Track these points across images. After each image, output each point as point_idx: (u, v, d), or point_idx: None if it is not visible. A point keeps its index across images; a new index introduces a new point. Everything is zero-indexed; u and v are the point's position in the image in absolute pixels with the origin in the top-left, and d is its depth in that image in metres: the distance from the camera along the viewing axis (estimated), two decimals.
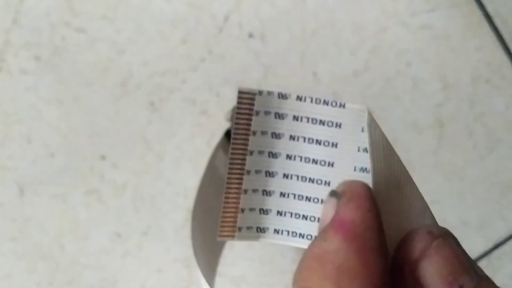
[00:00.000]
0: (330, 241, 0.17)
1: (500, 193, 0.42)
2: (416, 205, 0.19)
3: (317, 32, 0.42)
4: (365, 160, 0.19)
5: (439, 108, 0.41)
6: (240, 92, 0.19)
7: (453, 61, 0.42)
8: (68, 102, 0.41)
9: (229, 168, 0.19)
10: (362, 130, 0.19)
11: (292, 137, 0.19)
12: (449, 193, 0.42)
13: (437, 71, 0.42)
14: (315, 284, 0.17)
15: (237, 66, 0.41)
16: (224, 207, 0.20)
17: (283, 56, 0.42)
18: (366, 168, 0.19)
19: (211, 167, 0.34)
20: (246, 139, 0.19)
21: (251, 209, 0.20)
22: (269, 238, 0.20)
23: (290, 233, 0.20)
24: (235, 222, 0.20)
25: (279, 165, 0.19)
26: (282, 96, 0.19)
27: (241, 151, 0.19)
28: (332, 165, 0.19)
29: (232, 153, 0.19)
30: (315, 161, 0.19)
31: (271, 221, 0.20)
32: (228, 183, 0.19)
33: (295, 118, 0.19)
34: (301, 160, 0.19)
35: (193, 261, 0.40)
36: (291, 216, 0.20)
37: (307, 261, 0.18)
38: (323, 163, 0.19)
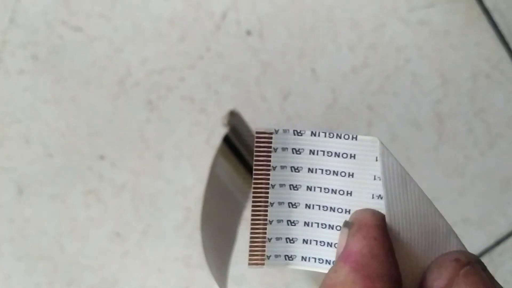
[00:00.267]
0: (339, 272, 0.18)
1: (501, 188, 0.41)
2: (439, 230, 0.19)
3: (316, 29, 0.42)
4: (381, 188, 0.20)
5: (438, 104, 0.41)
6: (257, 132, 0.20)
7: (452, 56, 0.42)
8: (66, 102, 0.41)
9: (253, 202, 0.21)
10: (376, 160, 0.19)
11: (310, 170, 0.20)
12: (450, 190, 0.41)
13: (436, 67, 0.41)
14: None
15: (235, 64, 0.41)
16: (251, 237, 0.21)
17: (281, 53, 0.41)
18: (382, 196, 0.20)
19: (213, 175, 0.35)
20: (267, 174, 0.20)
21: (278, 238, 0.21)
22: (298, 265, 0.21)
23: (317, 260, 0.21)
24: (263, 250, 0.21)
25: (301, 196, 0.21)
26: (298, 133, 0.20)
27: (263, 185, 0.20)
28: (351, 194, 0.20)
29: (254, 187, 0.20)
30: (334, 191, 0.20)
31: (298, 249, 0.21)
32: (253, 215, 0.21)
33: (312, 152, 0.20)
34: (321, 190, 0.20)
35: (192, 260, 0.40)
36: (317, 243, 0.21)
37: None
38: (342, 192, 0.20)
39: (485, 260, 0.42)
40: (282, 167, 0.20)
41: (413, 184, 0.19)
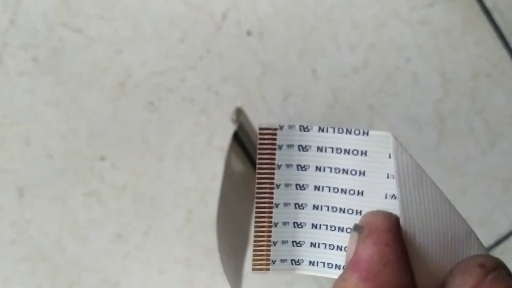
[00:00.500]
0: (348, 282, 0.17)
1: (502, 188, 0.41)
2: (459, 232, 0.18)
3: (316, 29, 0.42)
4: (395, 187, 0.18)
5: (439, 103, 0.41)
6: (260, 129, 0.19)
7: (452, 56, 0.42)
8: (66, 103, 0.41)
9: (257, 203, 0.19)
10: (389, 157, 0.18)
11: (318, 168, 0.19)
12: (451, 189, 0.41)
13: (436, 67, 0.41)
14: None
15: (236, 64, 0.41)
16: (255, 241, 0.20)
17: (281, 53, 0.41)
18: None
19: (228, 171, 0.34)
20: (271, 173, 0.19)
21: (284, 242, 0.20)
22: (305, 271, 0.20)
23: (326, 265, 0.20)
24: (268, 255, 0.20)
25: (308, 197, 0.19)
26: (304, 129, 0.19)
27: (268, 185, 0.19)
28: (362, 194, 0.19)
29: (258, 188, 0.19)
30: (344, 191, 0.19)
31: (305, 253, 0.20)
32: (257, 217, 0.19)
33: (319, 149, 0.19)
34: (329, 190, 0.19)
35: (194, 261, 0.40)
36: (325, 247, 0.20)
37: None
38: (352, 192, 0.19)
39: None
40: (288, 166, 0.19)
41: (430, 183, 0.18)
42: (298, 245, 0.20)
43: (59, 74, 0.41)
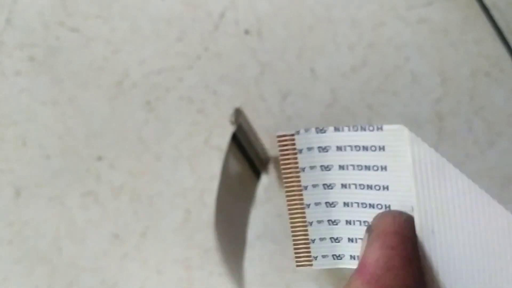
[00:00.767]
0: (352, 285, 0.17)
1: (501, 187, 0.41)
2: (499, 224, 0.17)
3: (314, 28, 0.41)
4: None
5: (438, 102, 0.41)
6: (278, 136, 0.20)
7: (451, 55, 0.41)
8: (63, 103, 0.41)
9: (288, 205, 0.20)
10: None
11: (341, 167, 0.19)
12: None
13: (435, 65, 0.41)
14: None
15: (234, 64, 0.41)
16: (294, 240, 0.20)
17: (280, 52, 0.41)
18: None
19: (225, 172, 0.34)
20: (297, 177, 0.20)
21: (322, 239, 0.20)
22: (347, 265, 0.20)
23: None
24: (308, 252, 0.20)
25: (337, 195, 0.20)
26: (320, 131, 0.19)
27: (296, 188, 0.20)
28: (387, 188, 0.19)
29: (287, 192, 0.20)
30: (369, 187, 0.19)
31: (345, 248, 0.20)
32: (291, 218, 0.20)
33: (339, 148, 0.19)
34: (356, 187, 0.19)
35: (192, 262, 0.40)
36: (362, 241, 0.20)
37: None
38: (378, 187, 0.19)
39: None
40: (312, 167, 0.19)
41: (455, 174, 0.17)
42: (336, 241, 0.20)
43: (56, 73, 0.41)
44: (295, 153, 0.19)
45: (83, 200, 0.40)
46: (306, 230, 0.20)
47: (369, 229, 0.18)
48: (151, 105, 0.41)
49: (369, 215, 0.19)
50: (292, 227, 0.20)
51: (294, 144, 0.19)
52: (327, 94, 0.41)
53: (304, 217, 0.20)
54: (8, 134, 0.40)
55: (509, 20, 0.42)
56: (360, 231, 0.20)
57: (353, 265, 0.20)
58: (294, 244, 0.20)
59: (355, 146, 0.19)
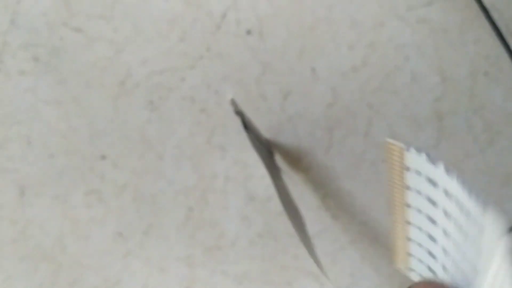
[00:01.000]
0: None
1: (501, 185, 0.42)
2: None
3: (315, 28, 0.42)
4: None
5: (438, 101, 0.41)
6: (389, 143, 0.20)
7: (451, 54, 0.42)
8: (67, 103, 0.41)
9: (392, 214, 0.20)
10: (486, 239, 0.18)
11: (446, 213, 0.19)
12: None
13: (435, 65, 0.42)
14: None
15: (235, 63, 0.41)
16: (395, 243, 0.20)
17: (281, 52, 0.42)
18: None
19: (264, 161, 0.34)
20: (402, 191, 0.20)
21: (420, 261, 0.20)
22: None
23: None
24: (406, 259, 0.21)
25: (437, 233, 0.19)
26: (431, 160, 0.19)
27: (399, 200, 0.20)
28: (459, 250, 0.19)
29: (392, 201, 0.20)
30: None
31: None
32: (393, 220, 0.20)
33: (446, 193, 0.19)
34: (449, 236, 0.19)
35: (195, 260, 0.40)
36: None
37: None
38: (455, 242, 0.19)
39: None
40: (418, 192, 0.19)
41: None
42: (432, 271, 0.20)
43: (60, 73, 0.41)
44: (403, 168, 0.19)
45: (87, 199, 0.40)
46: (407, 245, 0.20)
47: None
48: (153, 104, 0.41)
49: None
50: (394, 233, 0.20)
51: (402, 159, 0.19)
52: (328, 94, 0.41)
53: (406, 231, 0.19)
54: (12, 133, 0.41)
55: (508, 20, 0.42)
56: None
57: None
58: (396, 247, 0.20)
59: (458, 202, 0.18)
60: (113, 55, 0.41)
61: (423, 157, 0.19)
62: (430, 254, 0.20)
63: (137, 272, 0.40)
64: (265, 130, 0.41)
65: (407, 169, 0.19)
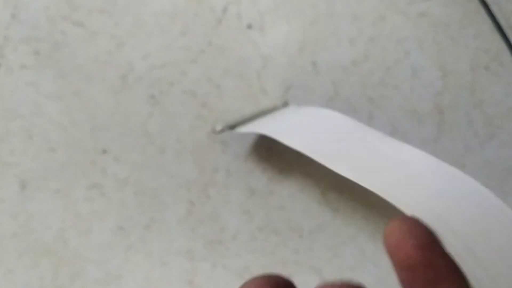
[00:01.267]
0: None
1: (501, 179, 0.42)
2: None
3: (316, 23, 0.42)
4: None
5: (438, 96, 0.41)
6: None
7: (451, 48, 0.42)
8: (68, 96, 0.41)
9: None
10: None
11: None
12: None
13: (436, 59, 0.42)
14: None
15: (237, 58, 0.41)
16: None
17: (282, 47, 0.42)
18: None
19: None
20: None
21: None
22: None
23: None
24: None
25: None
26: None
27: None
28: None
29: None
30: None
31: None
32: None
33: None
34: None
35: (196, 253, 0.40)
36: None
37: None
38: None
39: None
40: None
41: None
42: None
43: (61, 67, 0.41)
44: None
45: (88, 193, 0.40)
46: None
47: None
48: (155, 98, 0.41)
49: None
50: None
51: None
52: (329, 87, 0.42)
53: None
54: (13, 127, 0.41)
55: (508, 15, 0.42)
56: None
57: None
58: None
59: None
60: (115, 49, 0.41)
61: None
62: None
63: (138, 266, 0.40)
64: None
65: None
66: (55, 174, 0.40)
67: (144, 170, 0.41)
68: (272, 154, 0.41)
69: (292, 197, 0.41)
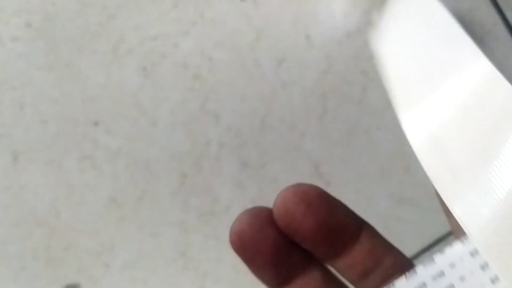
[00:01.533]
0: None
1: None
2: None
3: None
4: None
5: None
6: None
7: None
8: (59, 68, 0.41)
9: None
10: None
11: None
12: None
13: None
14: None
15: (229, 30, 0.41)
16: None
17: (275, 19, 0.41)
18: None
19: None
20: None
21: None
22: None
23: None
24: None
25: None
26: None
27: None
28: None
29: None
30: None
31: None
32: None
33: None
34: None
35: (188, 225, 0.40)
36: None
37: None
38: None
39: None
40: None
41: None
42: None
43: (52, 39, 0.41)
44: None
45: (80, 164, 0.40)
46: None
47: None
48: (147, 70, 0.41)
49: None
50: None
51: None
52: (322, 61, 0.41)
53: None
54: (5, 99, 0.41)
55: None
56: None
57: None
58: None
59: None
60: (106, 21, 0.41)
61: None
62: None
63: (131, 237, 0.40)
64: (258, 97, 0.41)
65: None
66: (47, 146, 0.40)
67: (136, 142, 0.41)
68: (265, 127, 0.41)
69: (284, 170, 0.41)
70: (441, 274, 0.19)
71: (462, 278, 0.19)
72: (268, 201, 0.40)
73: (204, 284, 0.40)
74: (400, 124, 0.21)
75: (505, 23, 0.42)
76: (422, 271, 0.19)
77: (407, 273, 0.19)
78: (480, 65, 0.18)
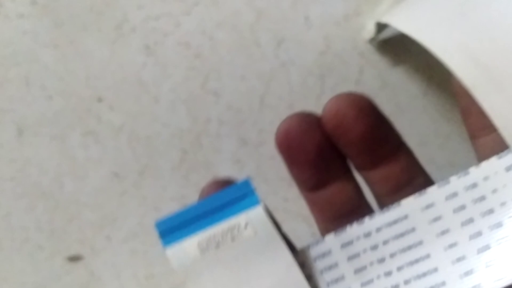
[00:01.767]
0: None
1: None
2: None
3: None
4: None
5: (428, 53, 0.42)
6: None
7: None
8: (64, 45, 0.42)
9: None
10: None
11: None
12: (437, 135, 0.43)
13: None
14: None
15: (230, 10, 0.42)
16: None
17: (275, 0, 0.42)
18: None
19: None
20: None
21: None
22: None
23: None
24: None
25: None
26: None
27: None
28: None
29: None
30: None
31: None
32: None
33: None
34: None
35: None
36: None
37: None
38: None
39: None
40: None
41: None
42: None
43: (57, 17, 0.42)
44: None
45: (84, 139, 0.41)
46: None
47: None
48: (149, 49, 0.42)
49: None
50: None
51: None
52: (320, 42, 0.42)
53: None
54: (11, 74, 0.41)
55: None
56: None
57: None
58: None
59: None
60: (110, 0, 0.42)
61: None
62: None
63: (133, 210, 0.41)
64: (258, 76, 0.42)
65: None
66: (51, 121, 0.41)
67: (139, 118, 0.42)
68: (264, 105, 0.42)
69: None
70: (474, 185, 0.20)
71: (494, 191, 0.19)
72: (266, 177, 0.41)
73: None
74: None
75: None
76: (455, 181, 0.20)
77: (440, 182, 0.20)
78: None
